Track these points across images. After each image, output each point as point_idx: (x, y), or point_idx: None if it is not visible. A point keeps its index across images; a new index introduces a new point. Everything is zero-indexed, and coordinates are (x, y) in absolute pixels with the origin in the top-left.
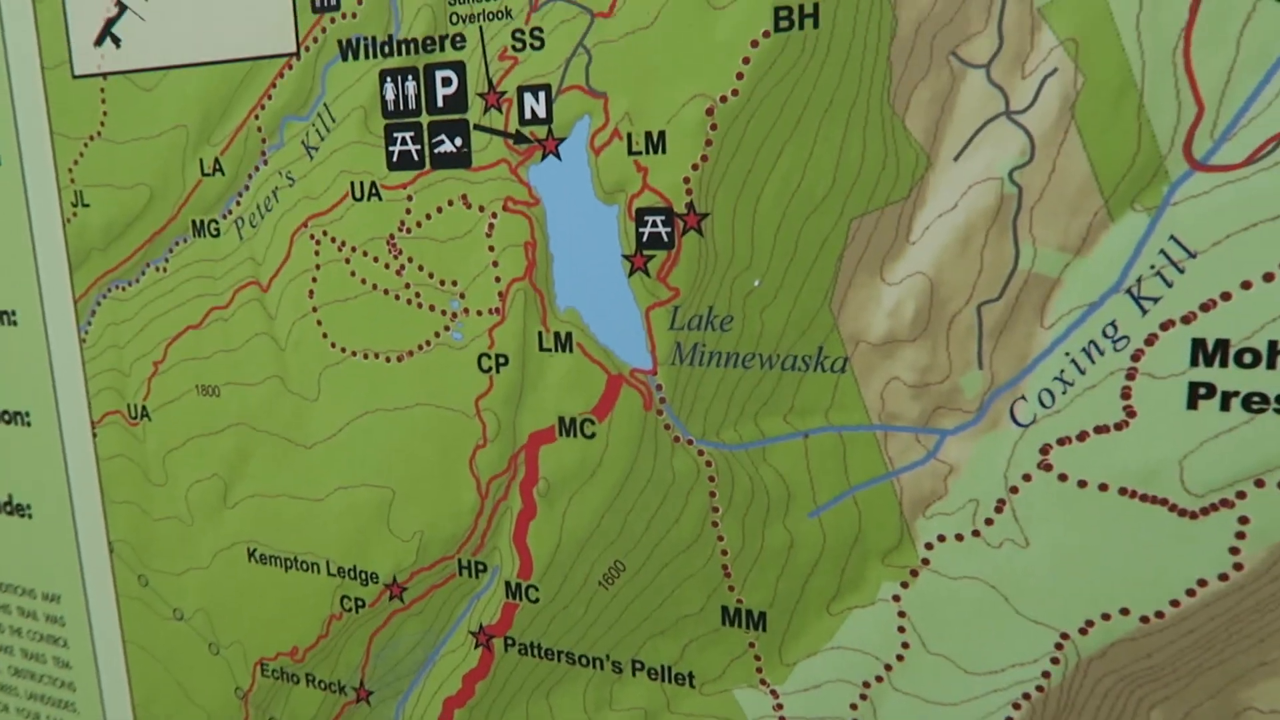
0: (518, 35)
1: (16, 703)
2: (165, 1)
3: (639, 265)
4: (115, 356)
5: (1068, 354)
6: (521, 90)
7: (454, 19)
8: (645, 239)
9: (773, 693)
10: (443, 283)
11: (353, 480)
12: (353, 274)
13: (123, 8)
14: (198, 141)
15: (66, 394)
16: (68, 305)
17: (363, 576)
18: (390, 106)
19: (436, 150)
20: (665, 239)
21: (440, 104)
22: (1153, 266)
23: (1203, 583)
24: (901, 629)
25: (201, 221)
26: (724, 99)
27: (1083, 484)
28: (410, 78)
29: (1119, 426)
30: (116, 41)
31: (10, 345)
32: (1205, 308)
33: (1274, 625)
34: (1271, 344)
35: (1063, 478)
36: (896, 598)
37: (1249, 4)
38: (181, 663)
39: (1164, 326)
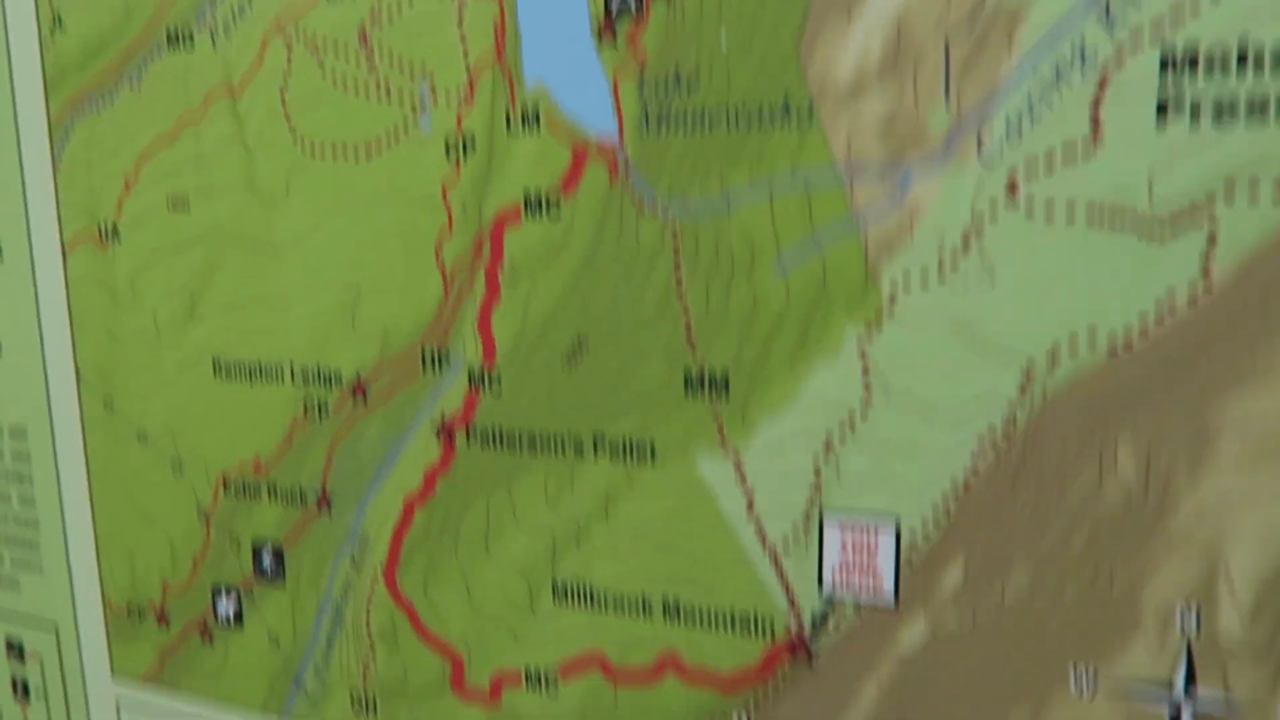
0: None
1: None
2: None
3: (607, 33)
4: (87, 176)
5: (1037, 80)
6: None
7: None
8: (614, 6)
9: (736, 460)
10: (412, 71)
11: (319, 282)
12: (323, 71)
13: None
14: None
15: (39, 220)
16: (42, 128)
17: (326, 379)
18: None
19: None
20: (633, 4)
21: None
22: None
23: (1174, 299)
24: (866, 377)
25: (176, 31)
26: None
27: (1050, 212)
28: None
29: (1086, 151)
30: None
31: None
32: (1175, 20)
33: (1245, 340)
34: (1241, 50)
35: (1029, 208)
36: (862, 349)
37: None
38: (145, 487)
39: (1133, 45)
